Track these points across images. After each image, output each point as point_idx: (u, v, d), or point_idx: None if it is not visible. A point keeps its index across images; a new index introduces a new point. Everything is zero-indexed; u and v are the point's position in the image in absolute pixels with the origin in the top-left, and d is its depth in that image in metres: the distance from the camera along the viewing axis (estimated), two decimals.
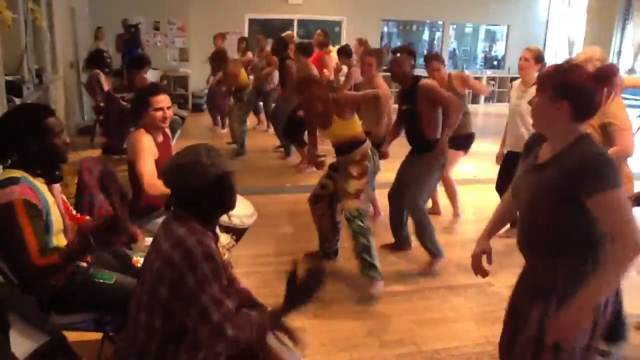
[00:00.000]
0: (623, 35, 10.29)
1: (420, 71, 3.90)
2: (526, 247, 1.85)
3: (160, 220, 2.54)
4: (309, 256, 3.89)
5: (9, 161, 2.05)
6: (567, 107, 1.64)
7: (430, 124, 3.67)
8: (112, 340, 2.25)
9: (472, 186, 5.78)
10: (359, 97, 3.89)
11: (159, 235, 1.70)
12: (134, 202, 2.98)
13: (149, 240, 1.79)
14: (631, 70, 10.87)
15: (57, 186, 2.22)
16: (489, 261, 1.99)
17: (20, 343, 1.80)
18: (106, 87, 6.78)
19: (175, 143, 4.15)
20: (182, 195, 1.69)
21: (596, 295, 1.62)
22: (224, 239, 2.72)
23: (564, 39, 12.55)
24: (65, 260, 1.87)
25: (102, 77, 6.82)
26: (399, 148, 4.03)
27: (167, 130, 3.23)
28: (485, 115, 11.38)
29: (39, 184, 2.03)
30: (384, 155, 3.98)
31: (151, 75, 8.71)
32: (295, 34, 9.72)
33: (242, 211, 3.07)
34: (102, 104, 6.77)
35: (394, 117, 4.22)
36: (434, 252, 3.78)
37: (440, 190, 4.90)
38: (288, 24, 11.52)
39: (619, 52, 10.30)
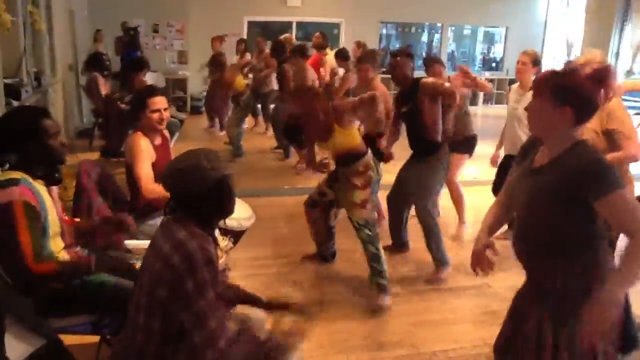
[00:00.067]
0: (621, 36, 10.28)
1: (419, 74, 3.89)
2: (524, 249, 1.85)
3: (156, 222, 2.55)
4: (307, 258, 3.90)
5: (8, 164, 2.05)
6: (570, 113, 1.66)
7: (431, 122, 3.60)
8: (109, 343, 2.25)
9: (472, 188, 5.76)
10: (356, 101, 3.89)
11: (157, 237, 1.70)
12: (132, 204, 2.98)
13: (146, 243, 1.79)
14: (629, 72, 10.87)
15: (54, 188, 2.22)
16: (495, 253, 1.94)
17: (16, 346, 1.79)
18: (104, 91, 6.77)
19: (174, 145, 4.15)
20: (182, 199, 1.70)
21: (623, 285, 1.61)
22: (222, 241, 2.72)
23: (562, 41, 12.56)
24: (61, 274, 1.91)
25: (101, 81, 6.81)
26: (400, 151, 4.03)
27: (166, 132, 3.24)
28: (484, 117, 11.36)
29: (39, 186, 2.04)
30: (388, 158, 3.98)
31: (155, 78, 8.73)
32: (294, 36, 9.72)
33: (240, 213, 3.06)
34: (100, 107, 6.77)
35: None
36: (440, 259, 3.72)
37: (443, 192, 4.86)
38: (287, 26, 11.52)
39: (617, 54, 10.29)
